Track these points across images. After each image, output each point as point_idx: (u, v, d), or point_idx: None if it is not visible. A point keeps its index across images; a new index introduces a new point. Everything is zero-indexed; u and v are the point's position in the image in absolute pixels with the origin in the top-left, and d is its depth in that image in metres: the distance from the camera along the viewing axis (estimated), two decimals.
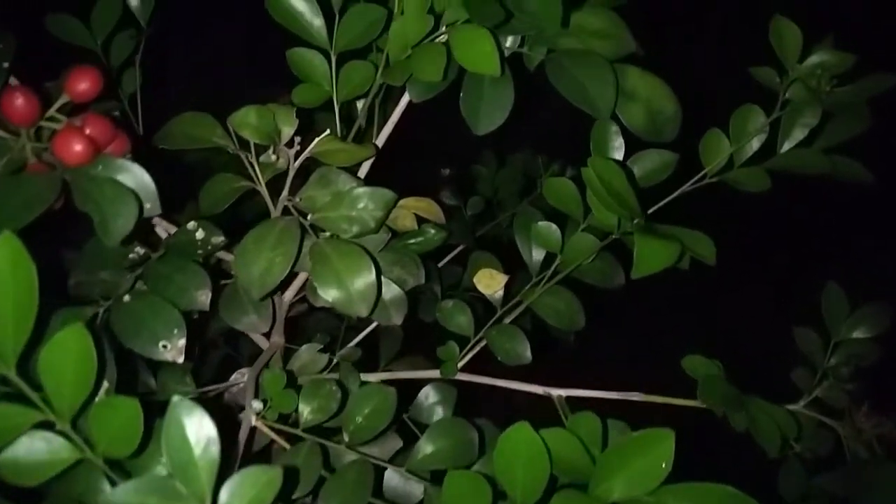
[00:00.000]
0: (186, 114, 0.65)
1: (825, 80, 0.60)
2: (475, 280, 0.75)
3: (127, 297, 0.50)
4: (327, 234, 0.59)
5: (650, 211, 0.69)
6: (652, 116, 0.57)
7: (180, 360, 0.51)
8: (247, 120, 0.57)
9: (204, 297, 0.53)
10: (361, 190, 0.59)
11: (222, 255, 0.67)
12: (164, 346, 0.50)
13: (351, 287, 0.54)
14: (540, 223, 0.72)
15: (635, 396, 0.69)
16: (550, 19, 0.47)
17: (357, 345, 0.82)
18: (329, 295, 0.54)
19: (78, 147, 0.46)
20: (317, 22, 0.64)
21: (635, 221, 0.55)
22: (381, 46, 0.63)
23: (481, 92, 0.58)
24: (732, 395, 0.60)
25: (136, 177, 0.45)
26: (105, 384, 0.41)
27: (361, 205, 0.59)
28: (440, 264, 0.98)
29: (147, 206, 0.46)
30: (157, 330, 0.50)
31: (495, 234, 1.13)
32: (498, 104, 0.58)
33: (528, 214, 0.76)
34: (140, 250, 0.57)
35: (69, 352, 0.31)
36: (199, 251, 0.58)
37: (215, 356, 0.92)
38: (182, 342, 0.50)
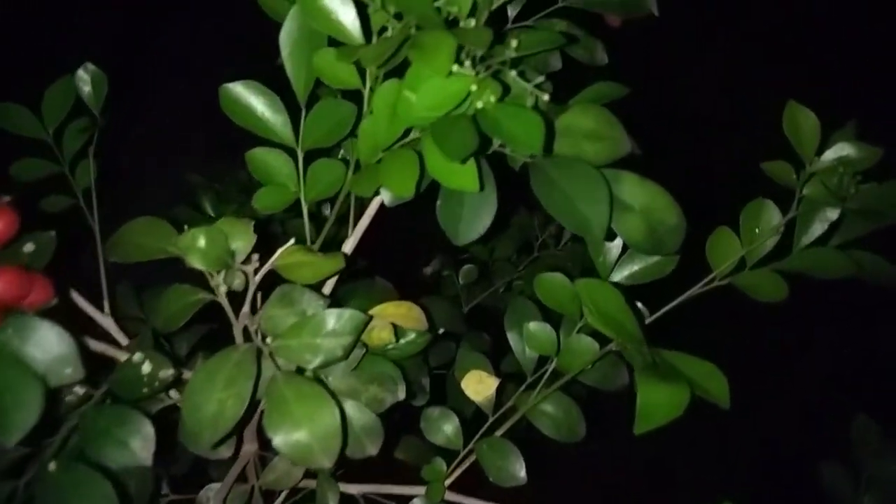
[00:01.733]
0: (139, 220, 0.59)
1: (848, 177, 0.53)
2: (462, 385, 0.68)
3: (52, 466, 0.43)
4: (288, 365, 0.52)
5: (654, 317, 0.63)
6: (652, 229, 0.51)
7: None
8: (194, 244, 0.51)
9: (146, 454, 0.47)
10: (328, 312, 0.52)
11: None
12: None
13: (309, 436, 0.47)
14: (532, 326, 0.66)
15: None
16: (530, 144, 0.41)
17: None
18: (284, 445, 0.47)
19: None
20: (280, 118, 0.58)
21: (639, 349, 0.48)
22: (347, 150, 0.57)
23: (461, 198, 0.52)
24: None
25: (50, 343, 0.39)
26: None
27: (328, 329, 0.52)
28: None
29: (66, 371, 0.39)
30: None
31: (491, 303, 1.06)
32: (481, 210, 0.51)
33: (520, 310, 0.69)
34: (80, 390, 0.51)
35: None
36: (146, 389, 0.52)
37: (189, 454, 0.85)
38: None
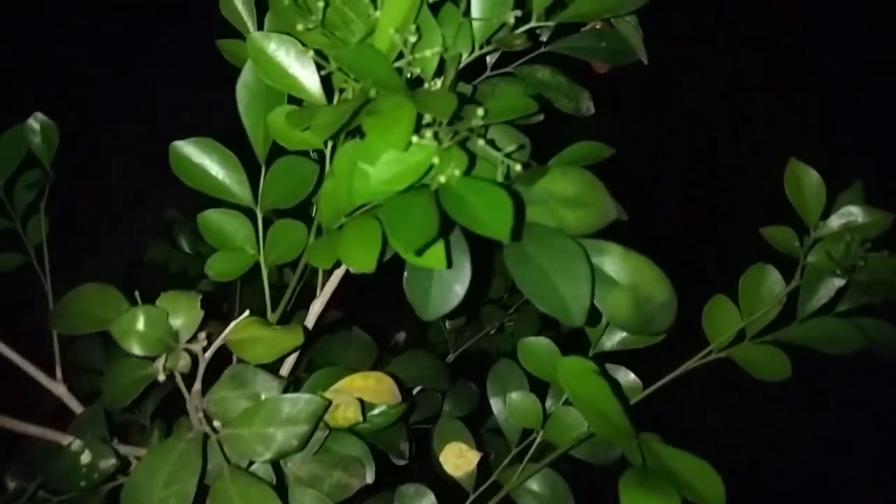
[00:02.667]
0: (86, 286, 0.55)
1: (856, 246, 0.48)
2: (441, 459, 0.63)
3: None
4: (239, 458, 0.47)
5: (646, 393, 0.58)
6: (639, 306, 0.46)
7: None
8: (132, 327, 0.46)
9: None
10: (283, 398, 0.48)
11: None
12: None
13: None
14: (515, 396, 0.61)
15: None
16: (498, 230, 0.36)
17: None
18: None
19: None
20: (236, 177, 0.53)
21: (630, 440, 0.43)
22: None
23: (430, 272, 0.47)
24: None
25: None
26: None
27: (283, 416, 0.47)
28: None
29: None
30: None
31: (481, 347, 1.01)
32: (453, 283, 0.46)
33: (503, 376, 0.64)
34: (11, 484, 0.46)
35: None
36: (84, 482, 0.47)
37: None
38: None
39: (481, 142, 0.41)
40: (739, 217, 1.43)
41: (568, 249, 0.44)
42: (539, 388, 0.62)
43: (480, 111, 0.39)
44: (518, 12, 0.43)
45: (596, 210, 0.47)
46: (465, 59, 0.46)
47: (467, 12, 0.45)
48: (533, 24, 0.44)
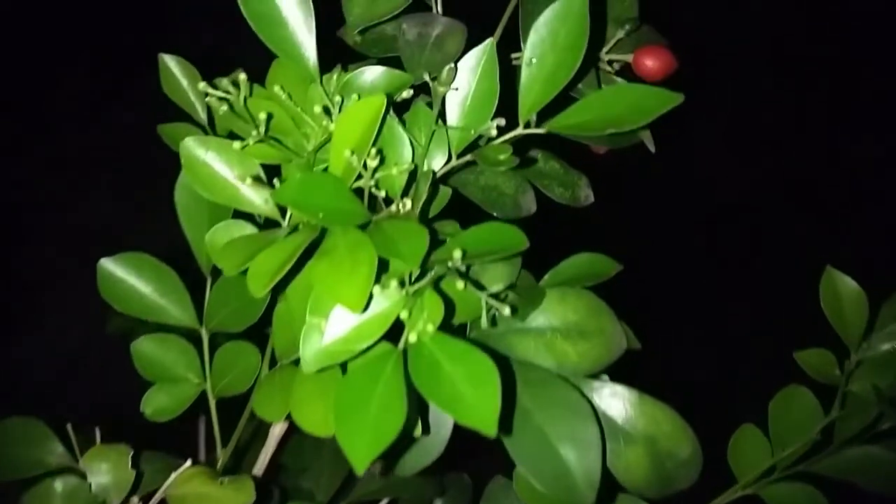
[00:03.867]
0: (10, 421, 0.46)
1: None
2: None
3: None
4: None
5: None
6: (658, 464, 0.38)
7: None
8: (48, 496, 0.38)
9: None
10: None
11: None
12: None
13: None
14: None
15: None
16: (483, 421, 0.28)
17: None
18: None
19: None
20: (174, 297, 0.45)
21: None
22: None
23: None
24: None
25: None
26: None
27: None
28: None
29: None
30: None
31: None
32: (428, 448, 0.39)
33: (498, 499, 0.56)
34: None
35: None
36: None
37: None
38: None
39: (461, 283, 0.33)
40: (766, 330, 1.32)
41: (573, 405, 0.36)
42: None
43: (458, 253, 0.31)
44: (501, 121, 0.36)
45: (602, 342, 0.39)
46: (441, 171, 0.38)
47: (442, 115, 0.37)
48: (520, 132, 0.36)
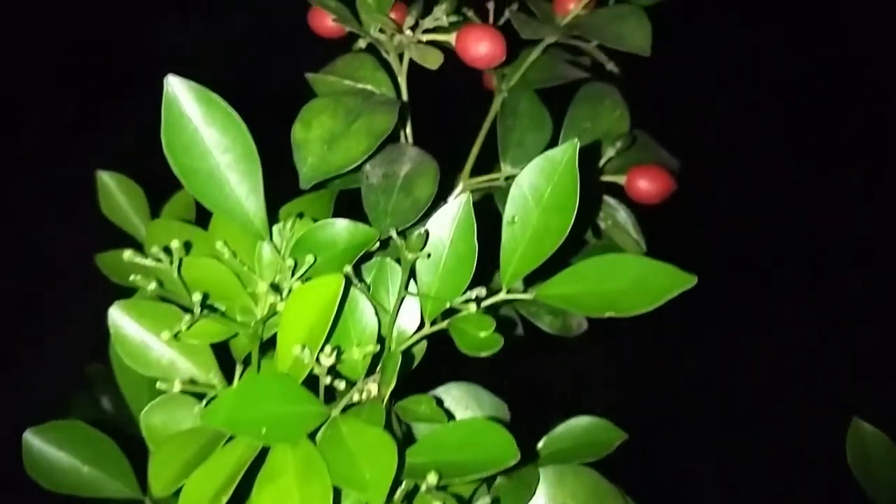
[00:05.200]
0: None
1: None
2: None
3: None
4: None
5: None
6: None
7: None
8: None
9: None
10: None
11: None
12: None
13: None
14: None
15: None
16: None
17: None
18: None
19: None
20: (112, 468, 0.39)
21: None
22: None
23: None
24: None
25: None
26: None
27: None
28: None
29: None
30: None
31: None
32: None
33: None
34: None
35: None
36: None
37: None
38: None
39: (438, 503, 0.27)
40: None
41: None
42: None
43: (433, 477, 0.26)
44: (482, 290, 0.30)
45: None
46: (412, 340, 0.32)
47: (410, 282, 0.32)
48: (503, 297, 0.31)
